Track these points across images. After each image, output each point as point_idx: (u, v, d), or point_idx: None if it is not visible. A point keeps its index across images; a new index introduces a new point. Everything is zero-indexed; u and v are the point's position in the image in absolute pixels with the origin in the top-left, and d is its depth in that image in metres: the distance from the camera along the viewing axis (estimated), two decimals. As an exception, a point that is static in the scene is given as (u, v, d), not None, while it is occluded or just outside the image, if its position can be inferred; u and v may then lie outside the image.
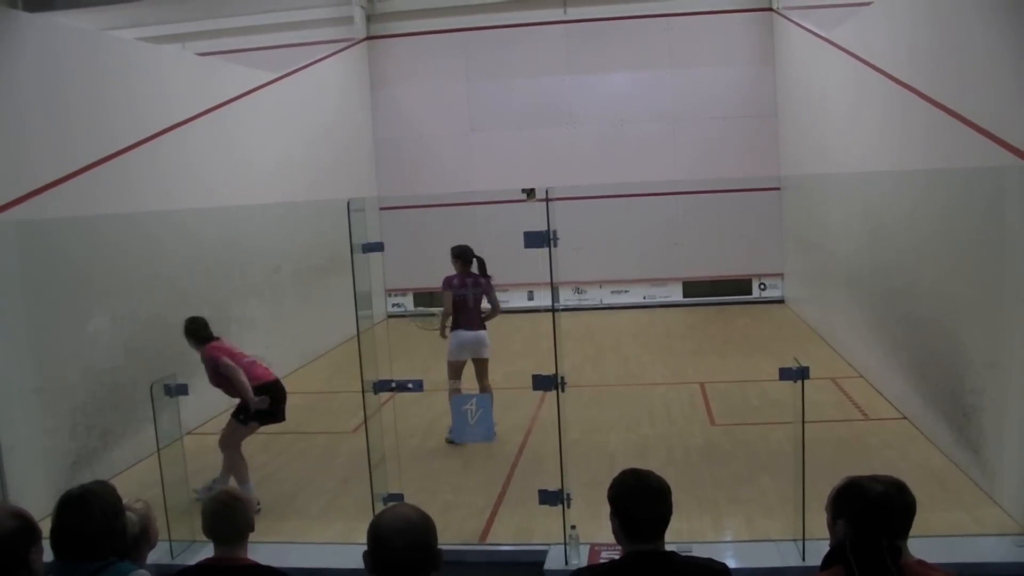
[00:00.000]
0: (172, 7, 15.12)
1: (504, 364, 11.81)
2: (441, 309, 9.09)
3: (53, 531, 3.20)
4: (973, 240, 7.08)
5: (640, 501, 3.24)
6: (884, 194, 9.49)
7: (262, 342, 11.60)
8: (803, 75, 14.14)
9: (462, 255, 9.06)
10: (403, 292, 17.18)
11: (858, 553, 3.06)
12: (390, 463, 6.78)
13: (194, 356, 8.25)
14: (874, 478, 3.28)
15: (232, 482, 7.52)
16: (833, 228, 12.12)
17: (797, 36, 14.17)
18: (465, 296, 8.91)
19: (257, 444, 9.35)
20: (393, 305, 17.39)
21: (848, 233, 11.11)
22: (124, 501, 3.53)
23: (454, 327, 8.99)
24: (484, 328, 9.05)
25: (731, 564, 4.18)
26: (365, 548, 2.84)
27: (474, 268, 9.06)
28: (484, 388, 8.99)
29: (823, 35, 12.20)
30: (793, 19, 14.49)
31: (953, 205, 7.60)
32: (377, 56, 17.48)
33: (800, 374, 5.76)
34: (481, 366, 9.12)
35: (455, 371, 9.00)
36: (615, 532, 3.29)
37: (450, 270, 9.09)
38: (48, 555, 3.16)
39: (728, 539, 6.47)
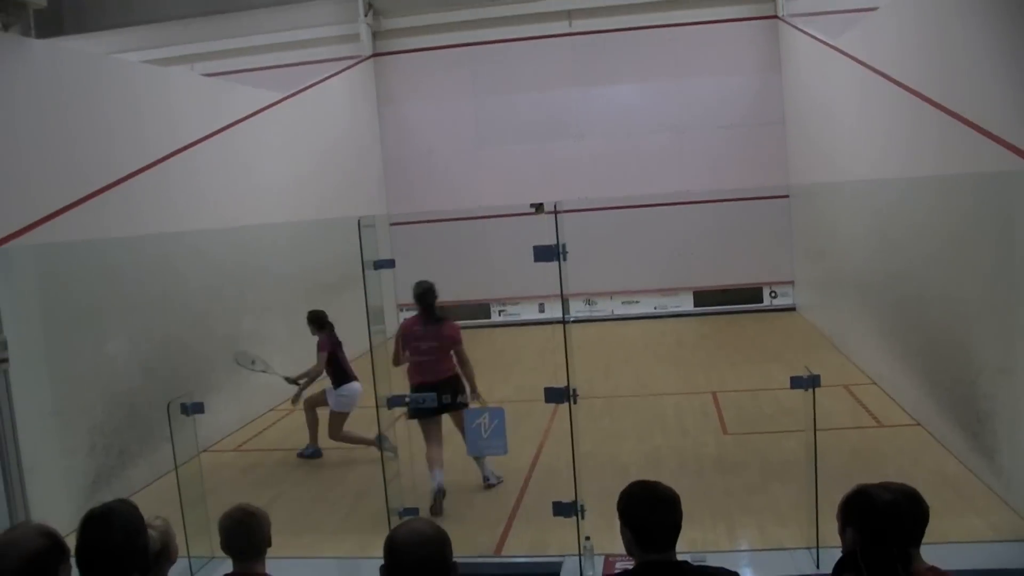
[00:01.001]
0: (179, 29, 15.26)
1: (516, 377, 11.87)
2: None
3: (77, 549, 3.24)
4: (984, 246, 7.09)
5: (651, 510, 3.26)
6: (894, 201, 9.49)
7: (276, 360, 11.67)
8: (810, 82, 14.17)
9: (317, 320, 9.49)
10: (414, 307, 17.16)
11: (869, 561, 3.08)
12: (405, 477, 6.82)
13: (208, 375, 8.32)
14: (885, 486, 3.29)
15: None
16: (843, 235, 12.12)
17: (803, 44, 14.20)
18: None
19: (274, 459, 9.44)
20: (405, 320, 17.37)
21: (858, 240, 11.12)
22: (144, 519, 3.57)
23: (345, 381, 9.31)
24: None
25: (746, 573, 4.21)
26: (382, 563, 2.88)
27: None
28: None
29: (829, 42, 12.22)
30: (799, 26, 14.52)
31: (963, 211, 7.61)
32: (384, 73, 17.58)
33: (811, 383, 5.77)
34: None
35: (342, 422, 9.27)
36: (627, 544, 3.31)
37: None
38: (75, 573, 3.21)
39: (742, 548, 6.48)
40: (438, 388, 7.64)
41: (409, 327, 8.14)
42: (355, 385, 9.32)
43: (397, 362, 7.99)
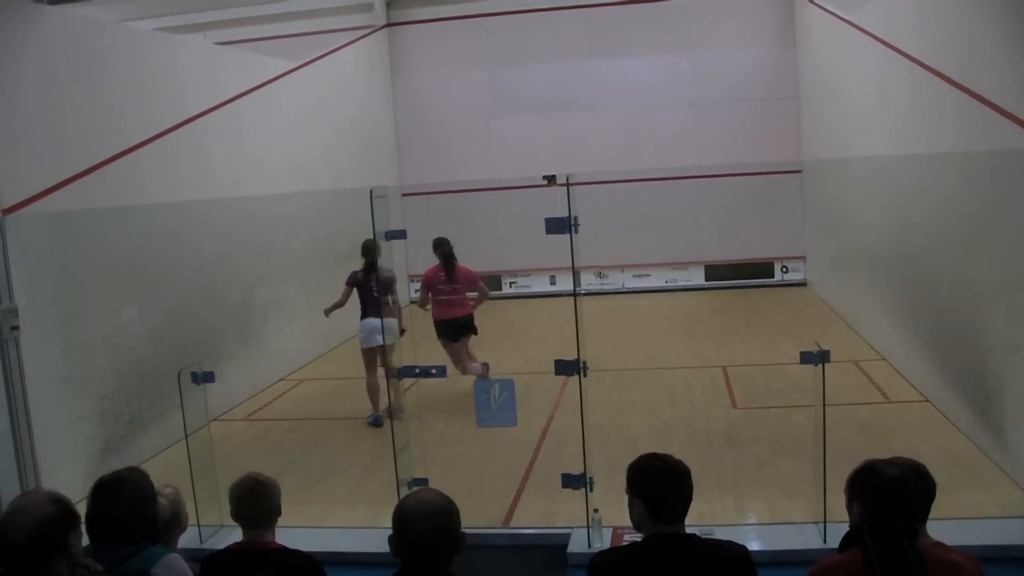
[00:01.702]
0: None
1: (526, 349, 11.88)
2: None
3: (87, 516, 3.27)
4: (994, 223, 7.06)
5: (665, 481, 3.27)
6: (905, 177, 9.44)
7: (287, 329, 11.73)
8: (824, 57, 14.06)
9: (362, 249, 9.41)
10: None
11: (875, 536, 3.09)
12: (414, 448, 6.85)
13: (219, 344, 8.33)
14: (892, 461, 3.30)
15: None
16: (854, 211, 12.07)
17: (818, 17, 14.08)
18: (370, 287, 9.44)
19: (284, 428, 9.49)
20: (416, 291, 17.43)
21: (870, 216, 11.06)
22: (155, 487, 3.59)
23: (362, 317, 9.56)
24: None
25: (753, 546, 4.23)
26: (390, 532, 2.90)
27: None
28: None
29: (844, 16, 12.12)
30: (814, 0, 14.39)
31: (974, 188, 7.56)
32: (397, 43, 17.49)
33: (820, 358, 5.77)
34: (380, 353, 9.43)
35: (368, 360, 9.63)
36: (636, 517, 3.32)
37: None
38: (85, 540, 3.24)
39: (750, 522, 6.50)
40: (457, 322, 9.73)
41: (433, 275, 9.88)
42: (368, 321, 9.41)
43: (423, 305, 9.93)
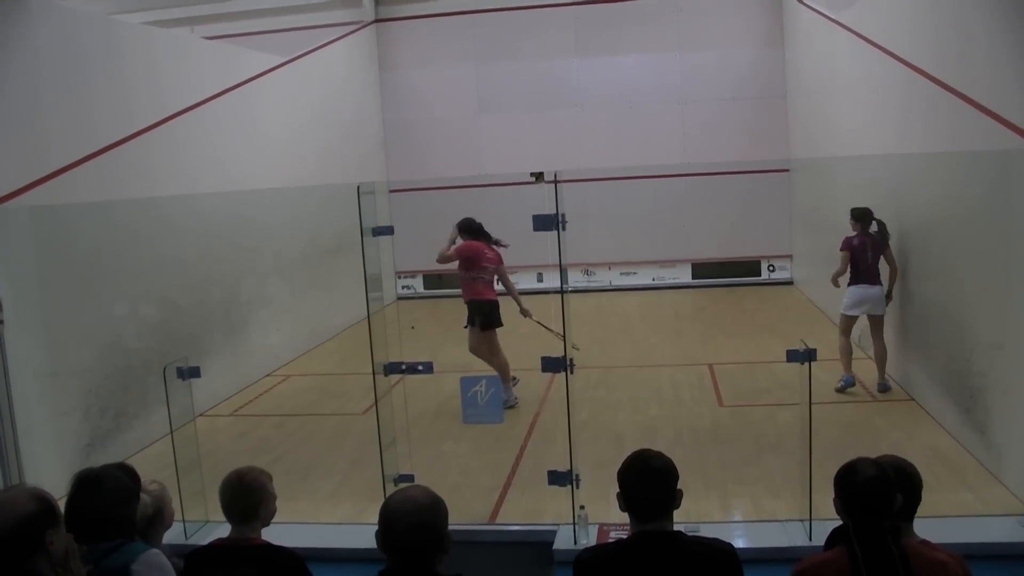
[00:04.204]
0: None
1: (513, 346, 11.85)
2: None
3: (65, 511, 3.25)
4: (980, 222, 7.09)
5: (639, 482, 3.28)
6: (892, 177, 9.47)
7: (273, 324, 11.69)
8: (812, 57, 14.08)
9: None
10: (413, 274, 17.24)
11: (860, 534, 3.10)
12: (400, 444, 6.84)
13: (205, 339, 8.28)
14: (875, 460, 3.32)
15: None
16: (842, 210, 12.05)
17: (805, 17, 14.11)
18: None
19: (270, 424, 9.46)
20: (403, 287, 17.46)
21: (857, 215, 11.07)
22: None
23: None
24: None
25: (738, 544, 4.23)
26: (376, 528, 2.90)
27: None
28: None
29: (831, 16, 12.15)
30: (802, 0, 14.42)
31: (960, 188, 7.59)
32: (386, 39, 17.45)
33: (807, 356, 5.79)
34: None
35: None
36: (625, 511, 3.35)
37: None
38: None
39: (735, 519, 6.52)
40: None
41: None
42: (855, 288, 9.47)
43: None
